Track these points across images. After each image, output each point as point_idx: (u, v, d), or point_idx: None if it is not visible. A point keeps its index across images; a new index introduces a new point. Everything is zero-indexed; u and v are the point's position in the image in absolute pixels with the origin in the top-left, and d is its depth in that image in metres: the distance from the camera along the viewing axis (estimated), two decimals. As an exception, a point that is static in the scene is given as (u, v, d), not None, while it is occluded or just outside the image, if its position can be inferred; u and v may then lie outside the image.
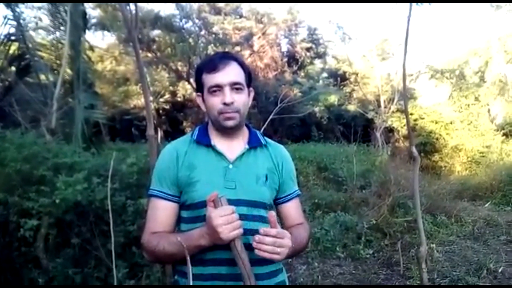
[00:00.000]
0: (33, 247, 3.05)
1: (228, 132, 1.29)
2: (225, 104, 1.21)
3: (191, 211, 1.24)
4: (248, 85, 1.30)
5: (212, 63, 1.24)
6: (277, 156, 1.36)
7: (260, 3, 15.34)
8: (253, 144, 1.32)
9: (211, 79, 1.23)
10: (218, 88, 1.22)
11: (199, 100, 1.32)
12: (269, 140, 1.39)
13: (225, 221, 1.06)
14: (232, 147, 1.30)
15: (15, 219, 2.90)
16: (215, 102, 1.23)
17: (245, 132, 1.35)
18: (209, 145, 1.28)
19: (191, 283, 1.07)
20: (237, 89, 1.24)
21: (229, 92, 1.22)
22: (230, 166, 1.26)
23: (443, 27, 24.30)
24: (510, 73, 13.70)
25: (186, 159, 1.26)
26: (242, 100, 1.25)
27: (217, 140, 1.29)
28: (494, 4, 13.20)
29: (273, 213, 1.13)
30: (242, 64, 1.28)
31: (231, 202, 1.13)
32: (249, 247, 1.15)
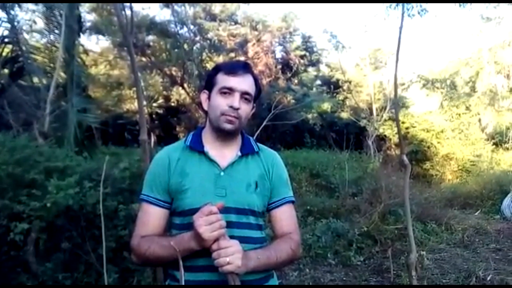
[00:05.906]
0: (22, 251, 3.01)
1: (223, 136, 1.30)
2: (231, 107, 1.25)
3: (182, 218, 1.25)
4: (254, 101, 1.35)
5: (233, 67, 1.29)
6: (268, 162, 1.37)
7: (256, 3, 15.41)
8: (246, 151, 1.33)
9: (226, 80, 1.26)
10: (230, 91, 1.26)
11: (203, 97, 1.34)
12: (262, 147, 1.40)
13: (205, 222, 1.08)
14: (225, 154, 1.31)
15: (5, 223, 2.87)
16: (222, 103, 1.26)
17: (238, 139, 1.36)
18: (201, 152, 1.29)
19: (183, 283, 1.08)
20: (245, 99, 1.28)
21: (238, 99, 1.26)
22: (222, 173, 1.27)
23: (434, 37, 24.70)
24: (500, 83, 13.92)
25: (178, 165, 1.28)
26: (247, 110, 1.30)
27: (210, 147, 1.31)
28: (485, 16, 13.46)
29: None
30: (256, 80, 1.34)
31: (220, 209, 1.14)
32: None
